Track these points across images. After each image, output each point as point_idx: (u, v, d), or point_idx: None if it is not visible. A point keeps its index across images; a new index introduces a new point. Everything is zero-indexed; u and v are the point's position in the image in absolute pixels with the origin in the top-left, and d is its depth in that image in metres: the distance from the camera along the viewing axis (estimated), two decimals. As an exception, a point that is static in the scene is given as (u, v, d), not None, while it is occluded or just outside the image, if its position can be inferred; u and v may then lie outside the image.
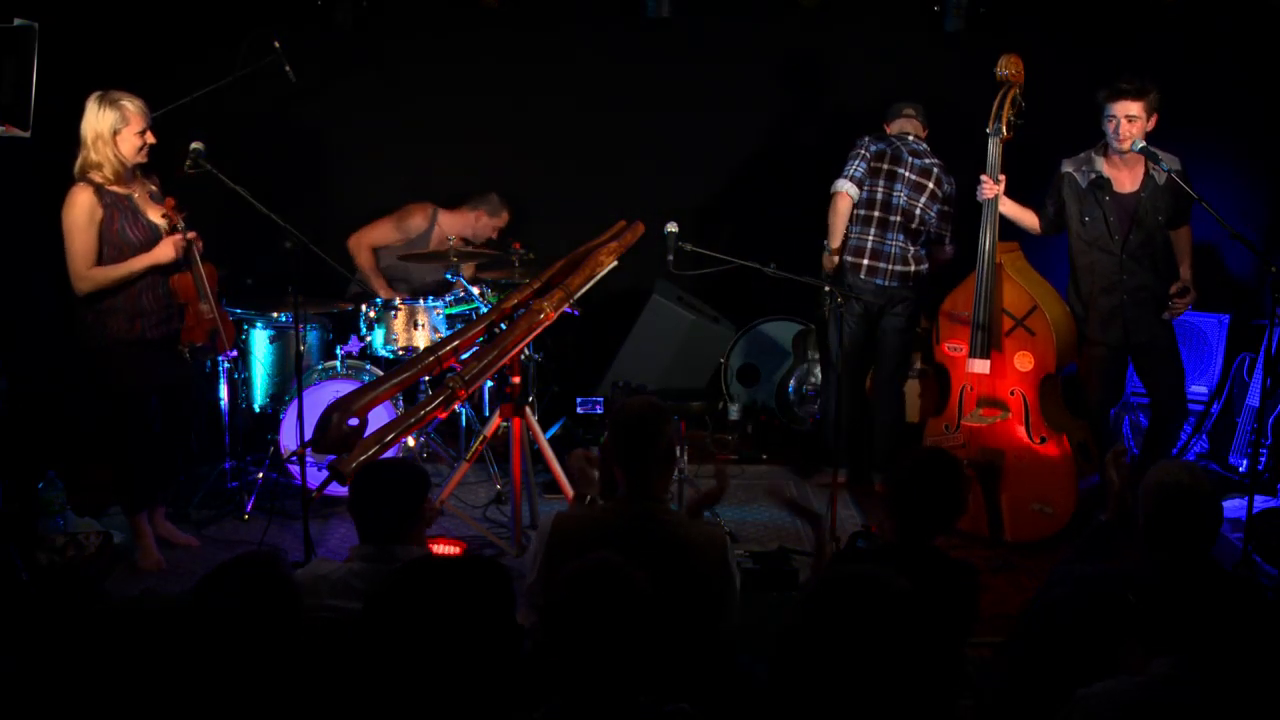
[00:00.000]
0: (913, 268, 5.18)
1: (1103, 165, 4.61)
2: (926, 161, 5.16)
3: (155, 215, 4.21)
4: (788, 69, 6.17)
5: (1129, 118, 4.43)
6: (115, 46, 5.67)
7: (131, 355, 4.21)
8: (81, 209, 4.04)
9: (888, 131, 5.24)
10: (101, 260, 4.11)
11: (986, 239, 4.64)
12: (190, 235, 4.16)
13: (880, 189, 5.13)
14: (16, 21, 3.78)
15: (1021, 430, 4.66)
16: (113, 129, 4.04)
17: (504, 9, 5.97)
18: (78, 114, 4.21)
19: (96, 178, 4.07)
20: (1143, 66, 4.95)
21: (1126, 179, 4.61)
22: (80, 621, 3.56)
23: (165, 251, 4.13)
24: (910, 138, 5.20)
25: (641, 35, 6.09)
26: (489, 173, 6.23)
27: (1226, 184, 5.58)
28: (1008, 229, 4.84)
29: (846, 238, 5.17)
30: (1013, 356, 4.66)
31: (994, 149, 4.64)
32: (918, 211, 5.14)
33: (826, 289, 4.94)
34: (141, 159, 4.13)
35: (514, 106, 6.16)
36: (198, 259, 4.20)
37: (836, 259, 5.15)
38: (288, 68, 5.29)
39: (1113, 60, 4.95)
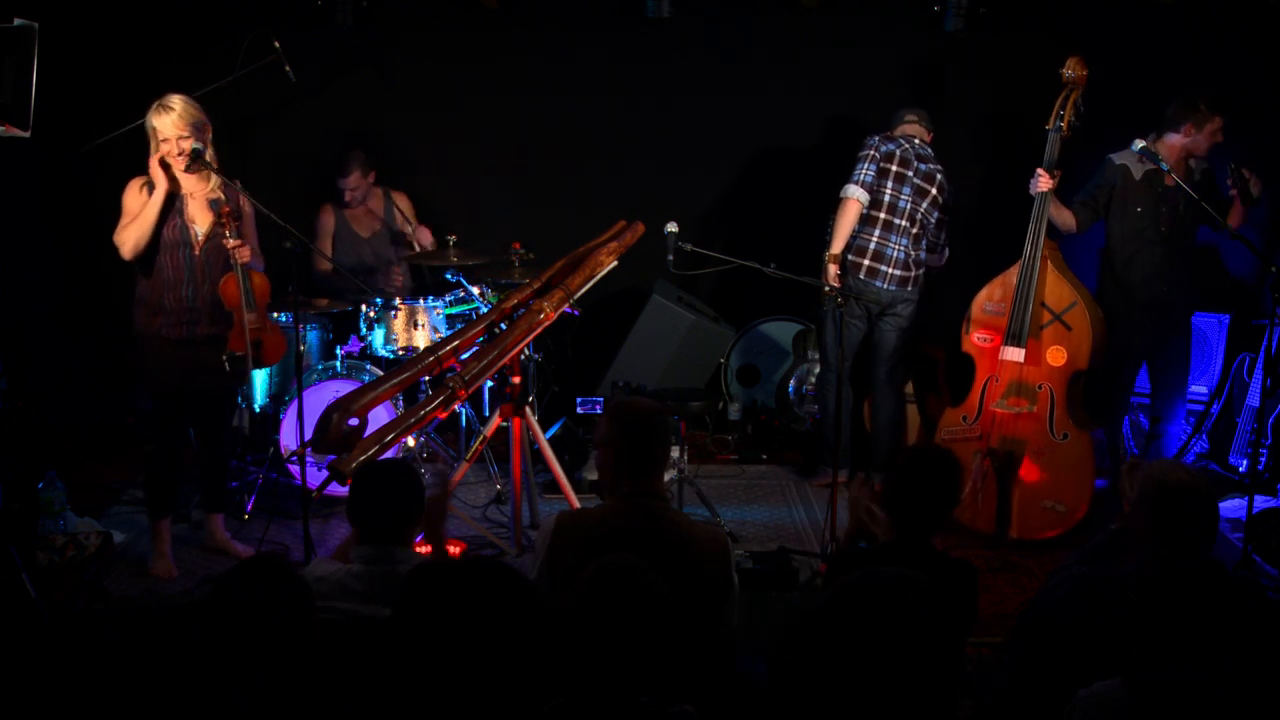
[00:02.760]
0: (913, 272, 5.17)
1: (1156, 156, 4.80)
2: (931, 167, 5.16)
3: (201, 221, 4.23)
4: (788, 69, 6.17)
5: (1214, 135, 4.75)
6: (115, 46, 5.68)
7: (153, 350, 4.27)
8: (131, 191, 4.19)
9: (892, 134, 5.24)
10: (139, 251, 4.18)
11: (1035, 229, 4.70)
12: (232, 244, 4.16)
13: (888, 191, 5.12)
14: (16, 21, 3.77)
15: (1045, 425, 4.67)
16: (147, 131, 4.14)
17: (504, 9, 5.97)
18: (78, 114, 4.23)
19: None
20: (1143, 66, 4.99)
21: (1172, 174, 4.81)
22: (81, 621, 3.56)
23: (155, 171, 4.12)
24: (917, 141, 5.20)
25: (641, 35, 6.09)
26: (488, 172, 6.24)
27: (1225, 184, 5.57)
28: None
29: (852, 238, 5.16)
30: (1047, 350, 4.68)
31: (1052, 145, 4.74)
32: (919, 215, 5.14)
33: (827, 289, 4.94)
34: (175, 163, 4.13)
35: (514, 106, 6.16)
36: (240, 268, 4.21)
37: (834, 267, 5.11)
38: (288, 68, 5.29)
39: (1113, 60, 4.95)
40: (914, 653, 1.78)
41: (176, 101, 4.12)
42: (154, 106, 4.13)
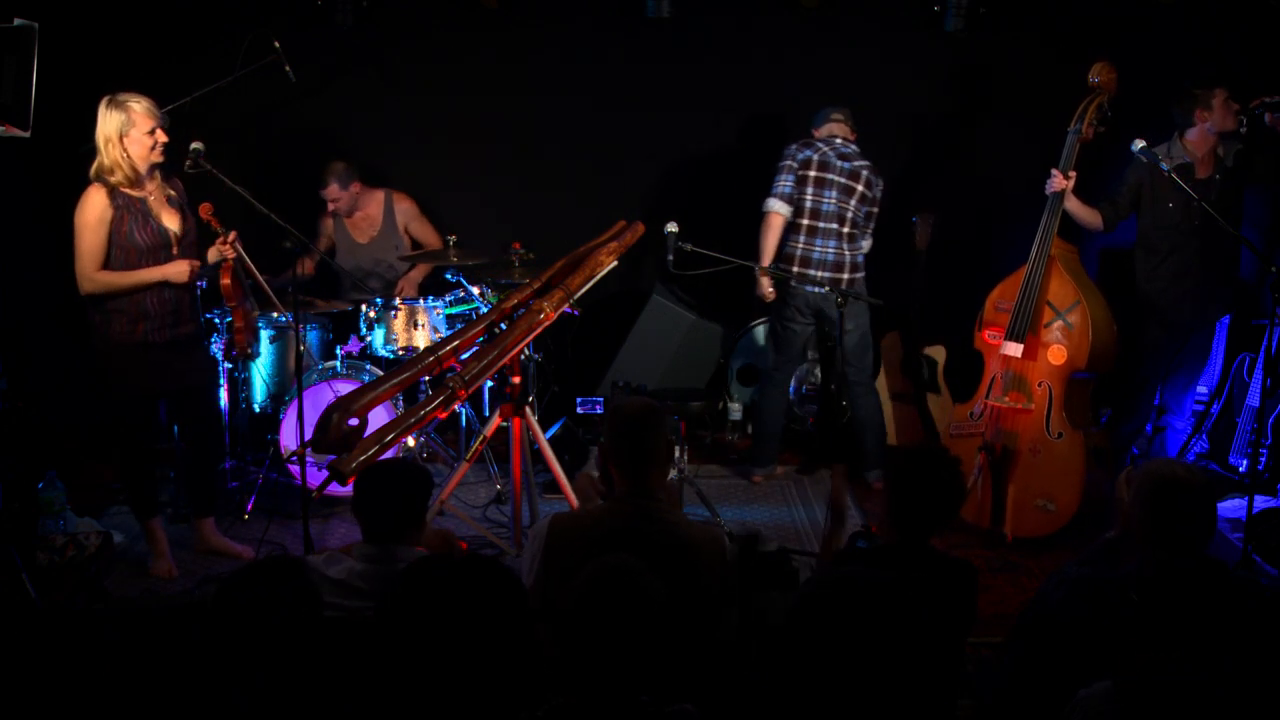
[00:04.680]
0: (846, 275, 5.17)
1: (1184, 152, 4.87)
2: (855, 164, 5.16)
3: (169, 221, 4.20)
4: (788, 69, 6.17)
5: (1228, 104, 4.82)
6: (115, 46, 5.68)
7: (134, 358, 4.19)
8: (92, 210, 4.05)
9: (815, 136, 5.26)
10: (108, 261, 4.10)
11: (1044, 227, 4.74)
12: (231, 237, 4.15)
13: (809, 196, 5.15)
14: (16, 21, 3.77)
15: (1041, 422, 4.68)
16: (119, 132, 4.03)
17: (504, 9, 5.97)
18: (78, 114, 4.21)
19: (111, 180, 4.07)
20: (1143, 66, 4.98)
21: (1201, 166, 4.89)
22: (81, 621, 3.56)
23: (179, 269, 4.13)
24: (838, 140, 5.21)
25: (641, 35, 6.09)
26: (488, 172, 6.24)
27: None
28: (1072, 234, 4.94)
29: (781, 247, 5.20)
30: (1047, 348, 4.70)
31: (1070, 146, 4.79)
32: (849, 214, 5.15)
33: (826, 289, 4.94)
34: (156, 158, 4.11)
35: (513, 106, 6.15)
36: (244, 257, 4.19)
37: (765, 279, 5.21)
38: (288, 68, 5.29)
39: (1113, 60, 4.95)
40: (894, 655, 1.78)
41: (132, 95, 4.06)
42: (112, 105, 4.02)
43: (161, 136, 4.09)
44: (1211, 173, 4.90)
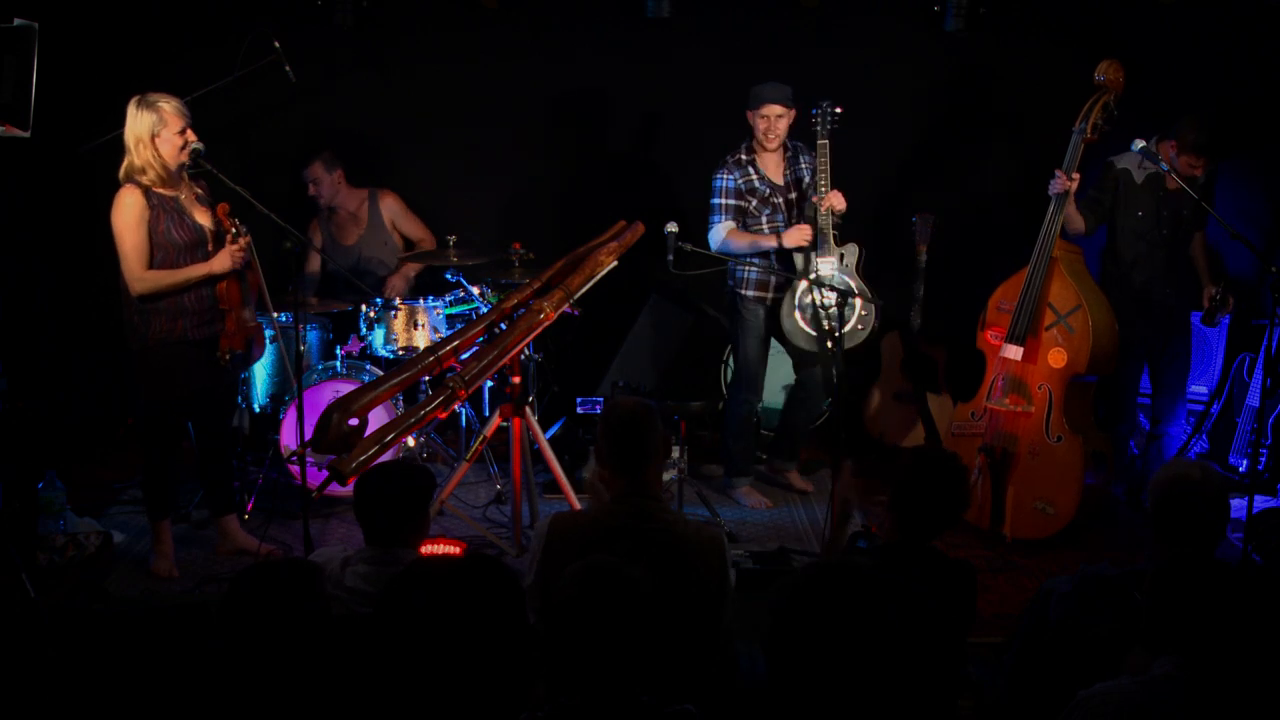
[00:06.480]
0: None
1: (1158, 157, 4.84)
2: None
3: (201, 217, 4.21)
4: (788, 69, 6.16)
5: (1190, 165, 4.69)
6: (115, 46, 5.68)
7: (172, 356, 4.19)
8: (131, 209, 4.06)
9: None
10: (150, 262, 4.10)
11: (1046, 229, 4.71)
12: (244, 240, 4.15)
13: None
14: (16, 21, 3.78)
15: (1041, 425, 4.67)
16: (151, 132, 4.04)
17: (504, 9, 5.97)
18: (78, 114, 4.22)
19: (143, 181, 4.08)
20: (1142, 67, 4.97)
21: (1171, 177, 4.83)
22: (81, 621, 3.56)
23: (223, 261, 4.14)
24: None
25: (641, 35, 6.09)
26: (488, 172, 6.24)
27: (1226, 184, 5.57)
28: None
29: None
30: (1048, 351, 4.69)
31: (1074, 146, 4.75)
32: None
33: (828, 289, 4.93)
34: (184, 159, 4.12)
35: (513, 106, 6.15)
36: (255, 261, 4.20)
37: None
38: (288, 67, 5.29)
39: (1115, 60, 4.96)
40: (898, 643, 1.77)
41: (162, 95, 4.09)
42: (142, 105, 4.05)
43: (191, 137, 4.11)
44: (1179, 186, 4.86)
